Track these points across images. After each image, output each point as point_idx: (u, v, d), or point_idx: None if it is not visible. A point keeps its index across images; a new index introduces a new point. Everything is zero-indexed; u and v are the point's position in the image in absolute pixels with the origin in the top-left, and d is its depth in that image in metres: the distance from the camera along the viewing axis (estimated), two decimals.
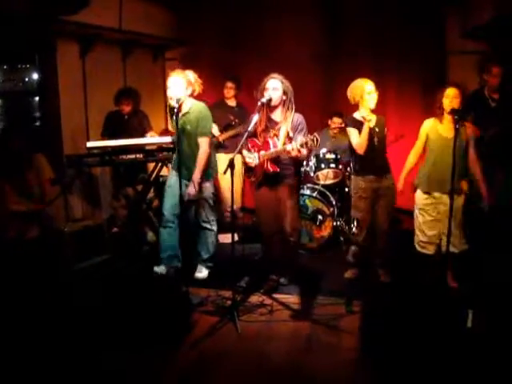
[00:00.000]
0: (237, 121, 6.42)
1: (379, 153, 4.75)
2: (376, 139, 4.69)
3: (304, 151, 4.26)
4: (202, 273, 5.15)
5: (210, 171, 4.95)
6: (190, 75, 4.76)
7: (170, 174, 5.14)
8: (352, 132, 4.78)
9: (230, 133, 6.43)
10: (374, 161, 4.75)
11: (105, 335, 4.03)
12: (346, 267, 5.16)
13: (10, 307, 4.34)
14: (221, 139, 6.45)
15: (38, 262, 4.87)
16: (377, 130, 4.71)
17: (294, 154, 4.19)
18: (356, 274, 5.11)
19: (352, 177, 5.02)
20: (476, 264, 4.83)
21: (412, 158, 4.78)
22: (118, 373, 3.58)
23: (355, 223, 5.19)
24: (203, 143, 4.79)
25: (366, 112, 4.67)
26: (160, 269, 5.13)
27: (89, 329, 4.11)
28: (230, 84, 6.61)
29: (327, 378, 3.50)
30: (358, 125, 4.72)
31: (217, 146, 6.43)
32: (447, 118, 4.47)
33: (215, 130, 6.47)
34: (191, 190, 4.74)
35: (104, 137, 6.15)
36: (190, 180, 4.77)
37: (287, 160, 4.48)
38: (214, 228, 5.14)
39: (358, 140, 4.72)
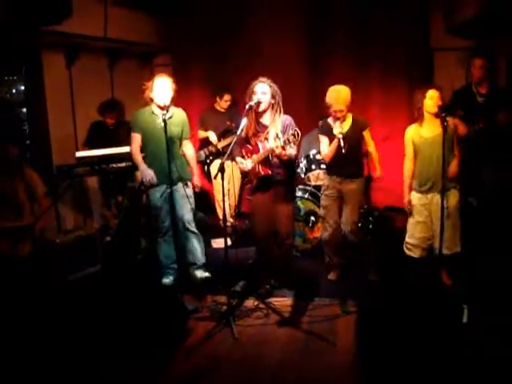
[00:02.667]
0: (233, 125, 6.38)
1: (348, 158, 4.69)
2: (344, 149, 4.60)
3: (290, 149, 4.30)
4: (206, 273, 5.17)
5: (190, 173, 5.12)
6: (169, 79, 4.86)
7: (151, 192, 4.99)
8: (322, 140, 4.92)
9: (230, 139, 6.32)
10: (341, 166, 4.80)
11: (100, 344, 4.00)
12: (327, 268, 5.19)
13: (6, 319, 4.32)
14: (220, 146, 6.42)
15: (31, 277, 4.84)
16: (344, 136, 4.63)
17: (278, 151, 4.24)
18: (338, 274, 5.12)
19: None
20: (469, 261, 4.84)
21: (409, 168, 4.65)
22: (114, 381, 3.56)
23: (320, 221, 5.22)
24: (191, 145, 5.19)
25: (339, 127, 4.66)
26: (169, 280, 5.12)
27: (84, 339, 4.09)
28: (228, 97, 6.58)
29: (324, 380, 3.50)
30: (331, 133, 4.75)
31: (216, 154, 6.41)
32: (427, 119, 4.46)
33: (213, 137, 6.46)
34: (198, 181, 5.14)
35: (86, 146, 6.13)
36: (177, 183, 4.88)
37: (278, 162, 4.48)
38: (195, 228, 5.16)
39: (325, 151, 4.86)
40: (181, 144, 5.02)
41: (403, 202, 4.72)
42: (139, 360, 3.79)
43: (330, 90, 4.74)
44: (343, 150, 4.58)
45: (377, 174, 5.04)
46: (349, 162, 4.77)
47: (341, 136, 4.59)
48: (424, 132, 4.50)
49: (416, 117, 4.53)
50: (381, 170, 5.01)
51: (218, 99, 6.63)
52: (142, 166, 4.90)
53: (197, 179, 5.14)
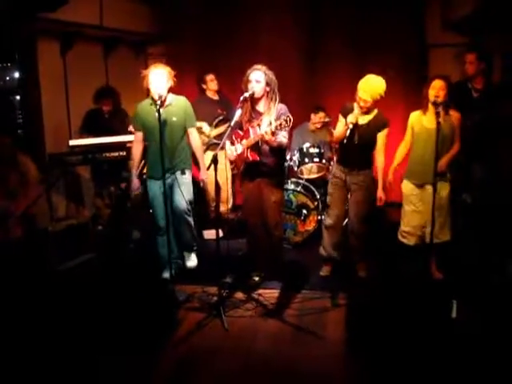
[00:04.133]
0: (225, 113, 6.35)
1: (358, 150, 4.65)
2: (356, 138, 4.57)
3: (281, 137, 4.32)
4: (193, 260, 5.14)
5: (189, 162, 4.99)
6: (167, 68, 4.72)
7: (148, 184, 4.92)
8: (340, 120, 4.76)
9: (223, 128, 6.28)
10: (351, 156, 4.71)
11: (90, 334, 4.01)
12: (321, 264, 5.12)
13: None
14: (212, 136, 6.35)
15: (22, 263, 4.83)
16: (355, 126, 4.58)
17: (267, 137, 4.22)
18: (330, 270, 5.06)
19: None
20: (459, 254, 4.88)
21: (401, 151, 4.81)
22: (103, 372, 3.56)
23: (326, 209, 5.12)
24: (195, 133, 4.95)
25: (355, 113, 4.58)
26: (168, 274, 4.83)
27: (74, 328, 4.10)
28: (211, 76, 6.42)
29: (314, 371, 3.52)
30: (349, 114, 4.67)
31: (210, 144, 6.35)
32: (431, 109, 4.46)
33: (206, 127, 6.38)
34: (204, 175, 4.94)
35: (82, 134, 6.11)
36: (176, 172, 4.77)
37: (268, 150, 4.48)
38: (192, 216, 5.02)
39: (335, 132, 4.80)
40: (186, 133, 4.90)
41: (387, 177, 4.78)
42: (128, 350, 3.80)
43: (367, 76, 4.57)
44: (345, 140, 4.55)
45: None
46: (358, 155, 4.68)
47: (351, 126, 4.52)
48: (426, 121, 4.52)
49: (423, 106, 4.58)
50: (381, 191, 4.71)
51: (204, 86, 6.47)
52: (133, 172, 4.98)
53: (203, 173, 4.96)
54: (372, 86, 4.49)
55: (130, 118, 6.33)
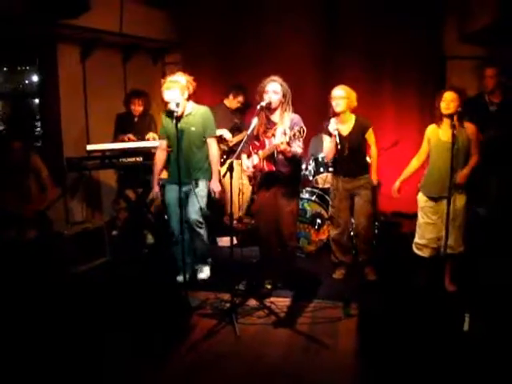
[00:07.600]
0: (240, 123, 6.45)
1: (351, 157, 4.84)
2: (347, 148, 4.78)
3: (295, 147, 4.38)
4: (204, 272, 5.16)
5: (209, 173, 4.98)
6: (181, 79, 4.76)
7: (166, 189, 4.99)
8: (325, 139, 5.01)
9: (240, 136, 6.31)
10: (345, 165, 4.91)
11: (103, 338, 4.04)
12: (333, 268, 5.25)
13: (9, 309, 4.36)
14: (231, 144, 6.38)
15: (37, 264, 4.88)
16: (340, 132, 4.77)
17: (282, 147, 4.27)
18: (344, 273, 5.19)
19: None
20: (473, 267, 4.86)
21: (414, 163, 4.80)
22: (115, 375, 3.59)
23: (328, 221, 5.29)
24: (214, 143, 4.97)
25: (334, 124, 4.71)
26: (182, 277, 4.88)
27: (87, 331, 4.13)
28: (241, 98, 6.61)
29: (324, 381, 3.51)
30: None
31: (229, 152, 6.38)
32: (446, 121, 4.47)
33: (228, 134, 6.40)
34: (216, 187, 4.94)
35: (117, 137, 6.19)
36: (193, 182, 4.82)
37: (283, 159, 4.50)
38: (205, 229, 5.01)
39: (325, 149, 5.01)
40: (206, 143, 4.92)
41: (393, 187, 4.84)
42: (140, 354, 3.82)
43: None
44: (338, 146, 4.68)
45: (372, 177, 5.02)
46: (352, 162, 4.87)
47: (336, 132, 4.67)
48: (442, 134, 4.52)
49: (436, 119, 4.58)
50: (376, 175, 5.03)
51: (231, 97, 6.59)
52: (154, 179, 5.03)
53: (214, 184, 4.94)
54: (345, 88, 4.79)
55: (155, 124, 6.39)
